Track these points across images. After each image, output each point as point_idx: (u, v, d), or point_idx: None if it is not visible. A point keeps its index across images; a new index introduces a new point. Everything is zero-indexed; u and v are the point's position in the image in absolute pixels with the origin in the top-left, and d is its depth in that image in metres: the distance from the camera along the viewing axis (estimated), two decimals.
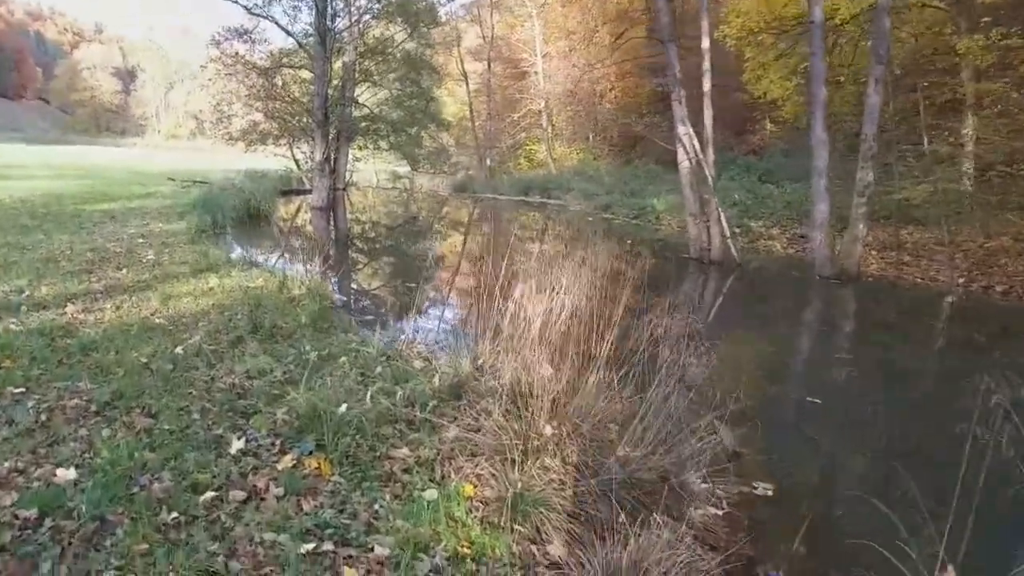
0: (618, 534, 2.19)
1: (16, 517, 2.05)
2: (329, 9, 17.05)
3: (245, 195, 13.31)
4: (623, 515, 2.42)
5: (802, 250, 11.13)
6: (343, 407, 2.92)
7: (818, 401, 4.60)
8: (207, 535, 2.06)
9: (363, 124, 19.66)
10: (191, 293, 5.49)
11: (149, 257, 7.00)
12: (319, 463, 2.59)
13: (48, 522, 2.04)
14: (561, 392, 2.99)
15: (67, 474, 2.33)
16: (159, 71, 76.58)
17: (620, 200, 17.33)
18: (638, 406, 2.92)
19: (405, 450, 2.79)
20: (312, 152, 17.40)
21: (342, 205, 18.20)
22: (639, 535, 2.13)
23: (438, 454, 2.75)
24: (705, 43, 10.04)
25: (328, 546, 2.08)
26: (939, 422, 4.36)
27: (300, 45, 18.37)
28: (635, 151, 24.25)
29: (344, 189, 19.93)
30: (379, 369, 3.74)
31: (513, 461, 2.57)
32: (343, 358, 3.91)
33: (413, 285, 7.46)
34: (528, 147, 28.69)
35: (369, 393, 3.18)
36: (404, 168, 25.89)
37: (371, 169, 24.88)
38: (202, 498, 2.26)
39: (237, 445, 2.66)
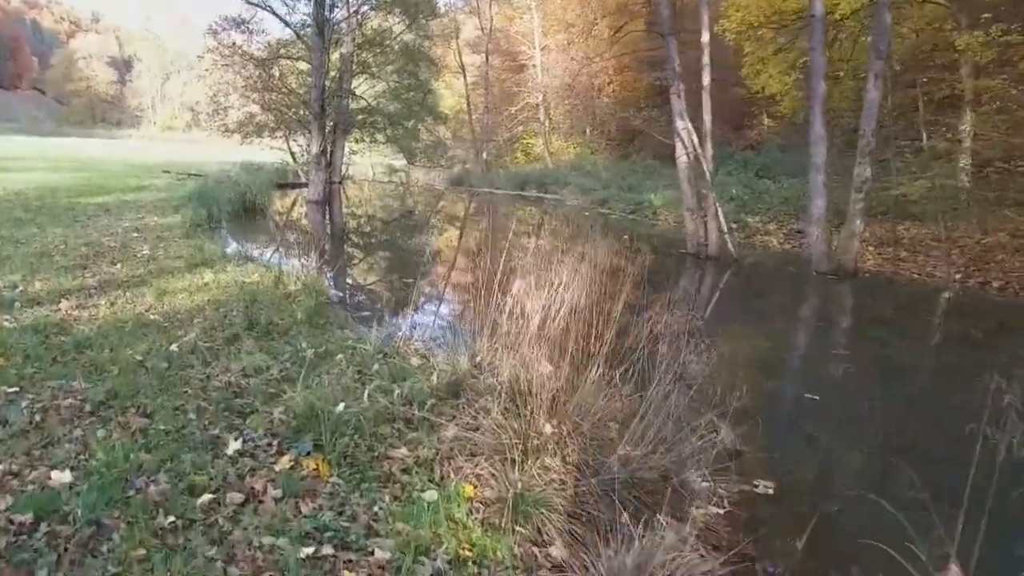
0: (621, 535, 2.17)
1: (11, 522, 2.01)
2: None
3: (241, 188, 13.21)
4: (625, 515, 2.41)
5: (799, 246, 11.13)
6: (340, 406, 2.89)
7: (816, 397, 4.60)
8: (205, 539, 2.03)
9: (360, 117, 19.52)
10: (186, 289, 5.44)
11: (144, 251, 6.94)
12: (317, 464, 2.56)
13: (43, 527, 2.00)
14: (560, 390, 2.97)
15: (62, 477, 2.29)
16: (156, 61, 75.40)
17: (617, 195, 17.29)
18: (638, 404, 2.90)
19: (404, 450, 2.76)
20: (308, 145, 17.29)
21: (338, 199, 18.09)
22: (643, 536, 2.11)
23: (437, 454, 2.72)
24: (705, 37, 9.99)
25: (328, 550, 2.05)
26: (936, 418, 4.39)
27: (298, 36, 18.18)
28: (633, 145, 24.22)
29: (340, 183, 19.84)
30: (376, 367, 3.71)
31: (513, 461, 2.55)
32: (340, 355, 3.88)
33: (409, 280, 7.41)
34: (525, 141, 28.58)
35: (366, 391, 3.14)
36: (400, 162, 25.80)
37: (367, 162, 24.78)
38: (199, 501, 2.22)
39: (234, 446, 2.62)
